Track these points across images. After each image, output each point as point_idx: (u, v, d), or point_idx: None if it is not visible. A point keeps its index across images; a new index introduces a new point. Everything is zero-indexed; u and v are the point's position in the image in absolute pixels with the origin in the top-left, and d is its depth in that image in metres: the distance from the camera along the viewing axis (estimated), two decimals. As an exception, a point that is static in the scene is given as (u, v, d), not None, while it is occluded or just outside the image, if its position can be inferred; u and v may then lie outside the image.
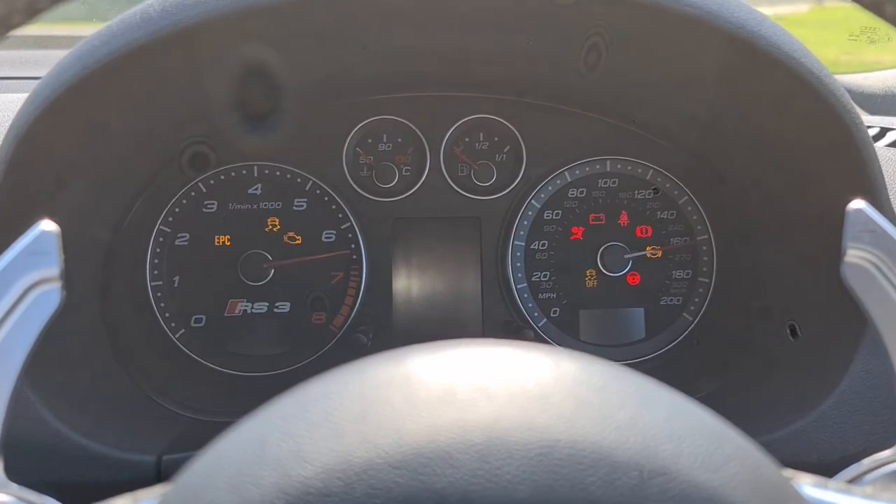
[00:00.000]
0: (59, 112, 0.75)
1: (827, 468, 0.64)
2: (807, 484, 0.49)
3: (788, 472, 0.47)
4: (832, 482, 0.50)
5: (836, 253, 0.60)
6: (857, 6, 0.44)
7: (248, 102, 0.87)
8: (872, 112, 1.52)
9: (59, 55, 0.76)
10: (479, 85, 1.13)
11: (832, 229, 0.63)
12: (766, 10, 0.80)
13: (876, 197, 0.77)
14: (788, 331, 0.96)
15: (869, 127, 1.25)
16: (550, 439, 0.38)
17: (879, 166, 0.79)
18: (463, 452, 0.37)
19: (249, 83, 0.84)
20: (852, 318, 0.82)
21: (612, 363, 0.45)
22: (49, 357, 0.84)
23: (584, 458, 0.37)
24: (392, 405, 0.40)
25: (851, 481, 0.57)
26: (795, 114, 0.81)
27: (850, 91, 1.58)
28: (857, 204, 0.61)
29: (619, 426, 0.39)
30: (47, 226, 0.57)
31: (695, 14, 0.74)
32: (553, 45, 0.91)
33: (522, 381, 0.42)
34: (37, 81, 0.77)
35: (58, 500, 0.54)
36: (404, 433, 0.38)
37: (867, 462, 0.58)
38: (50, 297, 0.58)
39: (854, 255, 0.61)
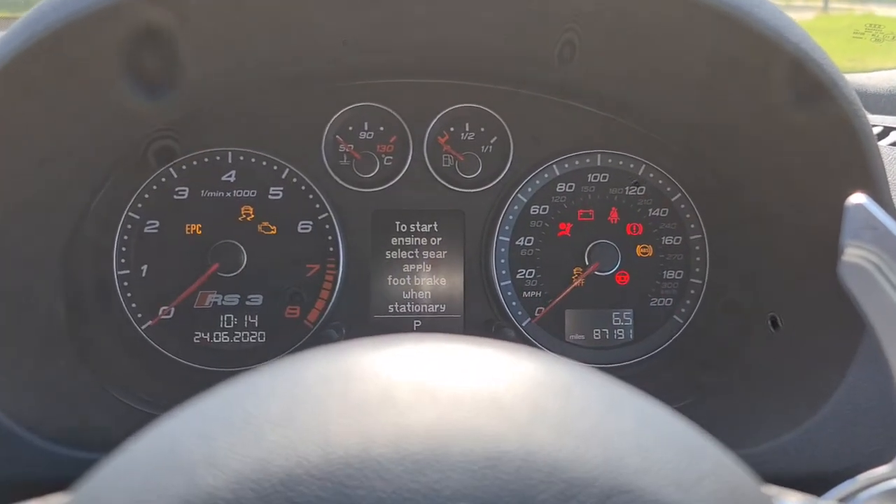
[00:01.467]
0: (9, 85, 0.70)
1: (818, 484, 0.60)
2: (793, 503, 0.44)
3: (772, 490, 0.43)
4: (821, 501, 0.45)
5: (834, 253, 0.56)
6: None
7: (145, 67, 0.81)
8: (876, 112, 1.47)
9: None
10: (466, 73, 1.08)
11: (831, 227, 0.58)
12: None
13: (877, 192, 0.72)
14: (769, 322, 0.91)
15: (872, 126, 1.20)
16: (498, 450, 0.33)
17: (881, 159, 0.74)
18: (397, 463, 0.32)
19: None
20: (850, 323, 0.77)
21: (577, 364, 0.40)
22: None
23: (537, 472, 0.32)
24: (322, 407, 0.35)
25: (843, 500, 0.52)
26: (794, 102, 0.76)
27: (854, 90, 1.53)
28: (858, 198, 0.56)
29: (578, 436, 0.34)
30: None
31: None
32: (536, 36, 0.86)
33: (472, 382, 0.37)
34: None
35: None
36: (332, 439, 0.33)
37: (862, 479, 0.53)
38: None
39: (853, 253, 0.56)
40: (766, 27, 0.70)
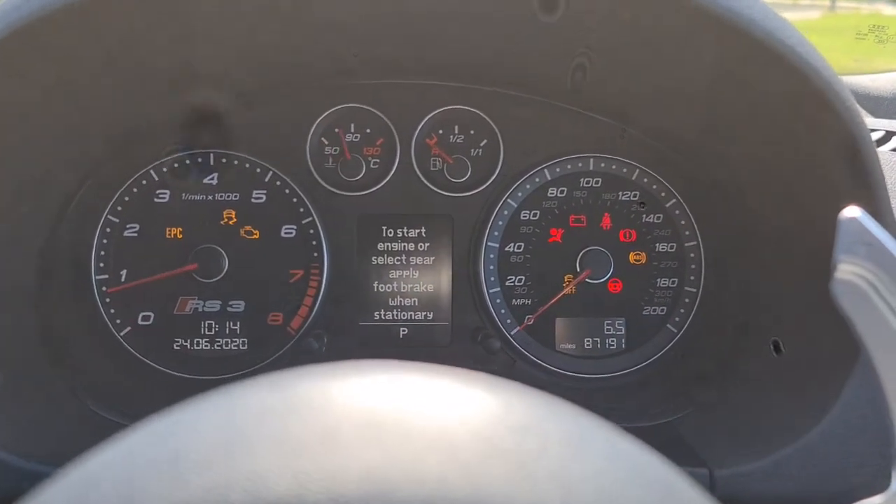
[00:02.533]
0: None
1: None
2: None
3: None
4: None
5: (829, 269, 0.53)
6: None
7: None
8: (879, 115, 1.44)
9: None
10: (456, 74, 1.05)
11: (828, 237, 0.55)
12: None
13: (874, 201, 0.69)
14: (772, 347, 0.88)
15: (874, 130, 1.17)
16: (446, 497, 0.30)
17: (880, 168, 0.71)
18: (332, 512, 0.29)
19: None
20: (846, 338, 0.74)
21: (539, 394, 0.37)
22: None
23: (486, 522, 0.29)
24: (255, 446, 0.32)
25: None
26: (792, 109, 0.73)
27: (856, 93, 1.50)
28: (852, 211, 0.53)
29: (535, 480, 0.31)
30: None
31: (693, 3, 0.66)
32: (539, 47, 0.84)
33: (423, 417, 0.34)
34: None
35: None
36: (261, 485, 0.30)
37: (854, 511, 0.51)
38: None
39: (846, 269, 0.53)
40: (769, 38, 0.66)
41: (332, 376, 0.37)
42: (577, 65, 0.90)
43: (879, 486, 0.55)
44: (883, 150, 1.08)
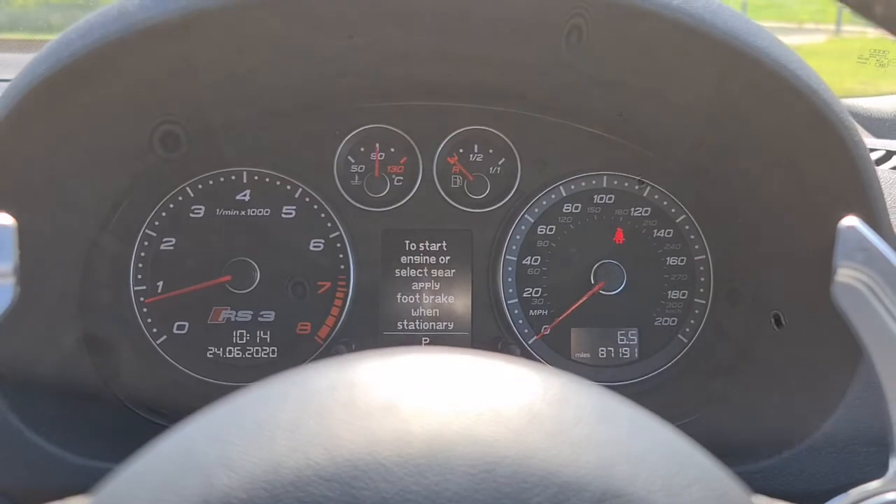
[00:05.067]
0: (33, 107, 0.73)
1: (814, 500, 0.61)
2: (783, 513, 0.45)
3: (761, 500, 0.44)
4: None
5: (830, 276, 0.57)
6: (846, 7, 0.42)
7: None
8: (881, 136, 1.49)
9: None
10: (476, 95, 1.11)
11: (828, 251, 0.59)
12: (782, 41, 0.77)
13: (873, 214, 0.74)
14: (773, 320, 0.92)
15: (874, 150, 1.22)
16: (496, 455, 0.35)
17: (878, 183, 0.76)
18: (400, 466, 0.34)
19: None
20: (848, 343, 0.79)
21: (573, 377, 0.42)
22: (19, 358, 0.82)
23: (531, 476, 0.34)
24: (329, 413, 0.37)
25: (836, 513, 0.53)
26: (794, 128, 0.78)
27: (857, 115, 1.55)
28: (850, 221, 0.58)
29: (572, 443, 0.36)
30: (3, 219, 0.55)
31: (691, 24, 0.72)
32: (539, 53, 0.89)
33: (472, 391, 0.39)
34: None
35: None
36: (338, 443, 0.35)
37: (854, 493, 0.55)
38: (2, 293, 0.55)
39: (845, 274, 0.58)
40: (766, 58, 0.72)
41: (387, 358, 0.42)
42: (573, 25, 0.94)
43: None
44: (883, 168, 1.13)
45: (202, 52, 0.80)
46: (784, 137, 0.80)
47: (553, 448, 0.36)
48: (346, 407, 0.37)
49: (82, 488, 0.77)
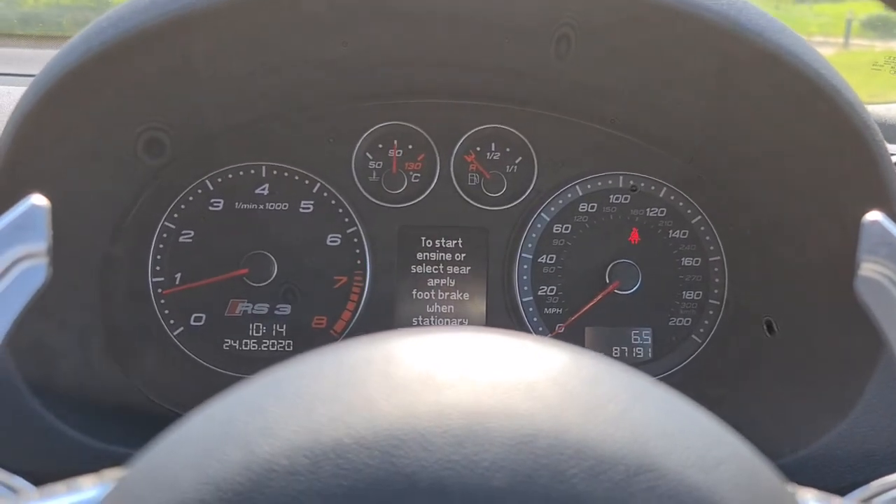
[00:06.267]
0: (63, 94, 0.74)
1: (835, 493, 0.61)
2: (811, 499, 0.46)
3: (790, 486, 0.45)
4: (837, 499, 0.47)
5: (851, 272, 0.58)
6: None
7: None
8: (892, 142, 1.49)
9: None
10: (493, 95, 1.12)
11: (848, 247, 0.60)
12: None
13: (893, 210, 0.74)
14: (764, 327, 0.93)
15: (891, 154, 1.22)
16: (533, 427, 0.36)
17: None
18: (439, 436, 0.35)
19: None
20: (867, 341, 0.79)
21: (606, 358, 0.43)
22: (41, 344, 0.83)
23: (567, 448, 0.35)
24: (367, 385, 0.38)
25: (866, 500, 0.54)
26: (812, 125, 0.78)
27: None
28: (874, 216, 0.58)
29: (606, 418, 0.37)
30: (38, 200, 0.55)
31: (709, 18, 0.73)
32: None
33: (508, 368, 0.39)
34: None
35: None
36: (377, 413, 0.36)
37: (875, 485, 0.55)
38: (36, 272, 0.56)
39: (869, 268, 0.58)
40: (783, 50, 0.72)
41: (422, 335, 0.43)
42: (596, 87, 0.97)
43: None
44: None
45: (204, 51, 0.81)
46: (804, 137, 0.81)
47: (588, 423, 0.36)
48: (384, 379, 0.38)
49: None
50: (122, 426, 0.88)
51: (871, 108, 1.59)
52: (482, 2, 0.80)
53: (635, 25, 0.79)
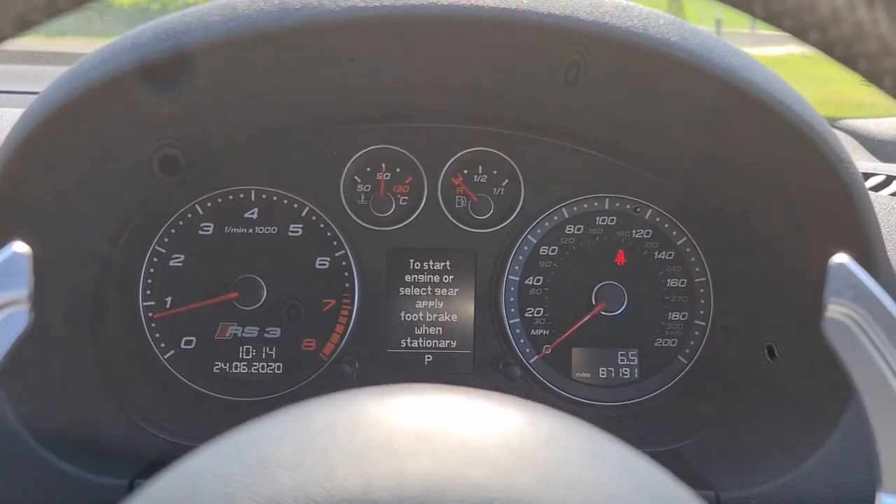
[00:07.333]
0: (49, 132, 0.75)
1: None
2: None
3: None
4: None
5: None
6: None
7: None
8: (884, 159, 1.50)
9: (51, 71, 0.77)
10: (480, 118, 1.13)
11: (822, 283, 0.61)
12: (775, 50, 0.79)
13: (867, 252, 0.75)
14: (766, 352, 0.94)
15: (875, 174, 1.23)
16: (486, 496, 0.37)
17: (874, 218, 0.78)
18: (394, 506, 0.36)
19: None
20: (843, 372, 0.80)
21: (564, 415, 0.44)
22: (28, 372, 0.85)
23: (519, 517, 0.36)
24: (328, 453, 0.39)
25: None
26: (788, 162, 0.79)
27: (861, 137, 1.56)
28: (840, 258, 0.59)
29: (559, 484, 0.38)
30: (19, 247, 0.56)
31: (686, 59, 0.74)
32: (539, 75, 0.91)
33: (465, 431, 0.41)
34: (31, 97, 0.78)
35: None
36: (337, 483, 0.37)
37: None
38: (18, 318, 0.57)
39: (835, 310, 0.59)
40: (761, 93, 0.74)
41: (386, 396, 0.44)
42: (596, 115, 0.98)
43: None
44: (882, 194, 1.14)
45: (208, 78, 0.82)
46: (780, 171, 0.82)
47: (540, 490, 0.37)
48: (345, 446, 0.39)
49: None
50: (113, 457, 0.89)
51: (861, 123, 1.60)
52: (495, 31, 0.81)
53: (632, 67, 0.80)
